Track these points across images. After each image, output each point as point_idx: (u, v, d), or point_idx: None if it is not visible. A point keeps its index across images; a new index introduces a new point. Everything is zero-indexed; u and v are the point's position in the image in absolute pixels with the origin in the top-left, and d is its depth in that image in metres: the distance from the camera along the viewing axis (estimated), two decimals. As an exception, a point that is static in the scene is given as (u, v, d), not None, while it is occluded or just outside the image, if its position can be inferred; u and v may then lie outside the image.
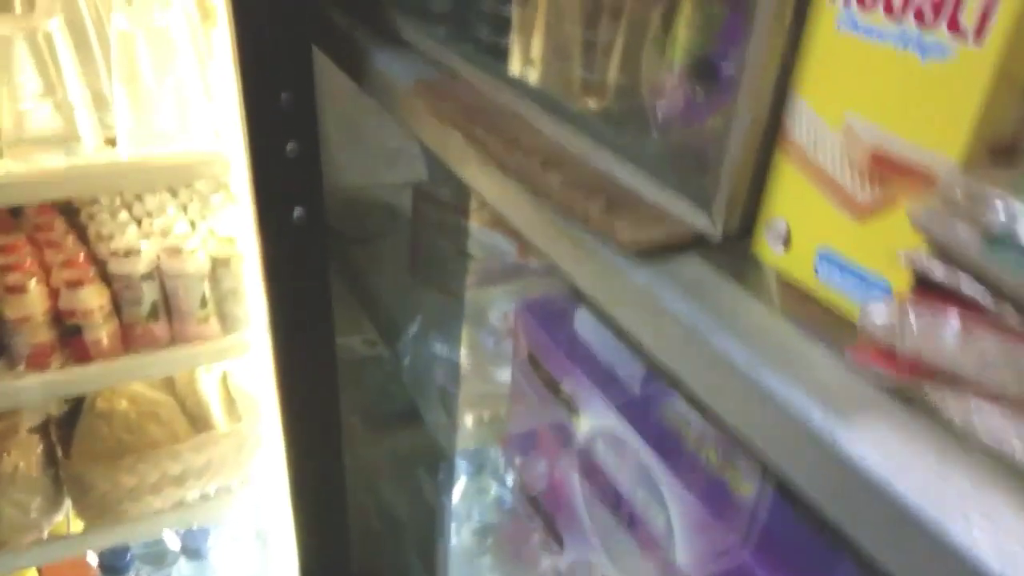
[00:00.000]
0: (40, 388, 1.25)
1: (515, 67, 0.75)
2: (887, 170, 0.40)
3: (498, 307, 1.07)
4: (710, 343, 0.43)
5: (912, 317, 0.36)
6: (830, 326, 0.44)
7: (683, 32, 0.56)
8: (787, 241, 0.47)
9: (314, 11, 1.08)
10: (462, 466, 1.42)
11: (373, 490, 1.66)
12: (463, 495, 1.42)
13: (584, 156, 0.62)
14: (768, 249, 0.49)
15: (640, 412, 0.64)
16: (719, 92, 0.52)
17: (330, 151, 1.55)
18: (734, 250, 0.50)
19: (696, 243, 0.51)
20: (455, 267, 1.29)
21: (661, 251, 0.50)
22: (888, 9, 0.38)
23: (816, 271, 0.46)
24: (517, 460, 0.93)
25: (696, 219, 0.51)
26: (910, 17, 0.38)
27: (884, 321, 0.38)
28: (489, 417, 1.27)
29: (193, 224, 1.35)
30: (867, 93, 0.41)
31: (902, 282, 0.40)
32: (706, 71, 0.54)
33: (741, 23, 0.47)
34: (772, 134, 0.47)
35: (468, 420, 1.31)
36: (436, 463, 1.42)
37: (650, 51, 0.60)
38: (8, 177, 1.10)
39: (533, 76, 0.74)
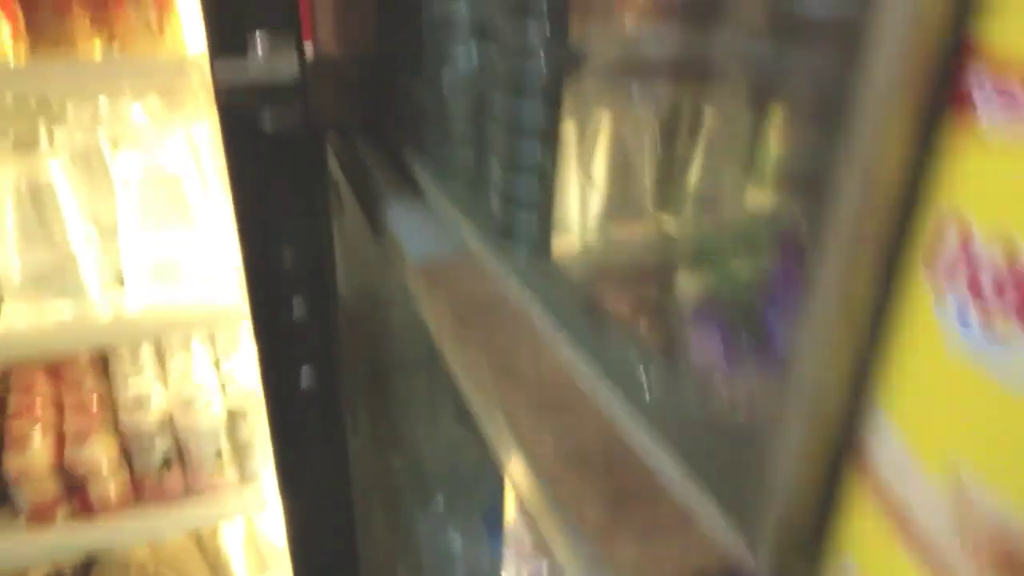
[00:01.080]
0: (43, 547, 1.14)
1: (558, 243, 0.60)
2: (1026, 572, 0.25)
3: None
4: None
5: None
6: None
7: (721, 255, 0.41)
8: (867, 607, 0.31)
9: (332, 158, 0.97)
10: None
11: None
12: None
13: (595, 399, 0.47)
14: (838, 607, 0.33)
15: None
16: (767, 349, 0.37)
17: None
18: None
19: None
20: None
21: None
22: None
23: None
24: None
25: (734, 542, 0.35)
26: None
27: None
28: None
29: (218, 364, 1.25)
30: (994, 444, 0.25)
31: None
32: (749, 317, 0.39)
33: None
34: (843, 440, 0.32)
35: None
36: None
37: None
38: (7, 333, 1.01)
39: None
